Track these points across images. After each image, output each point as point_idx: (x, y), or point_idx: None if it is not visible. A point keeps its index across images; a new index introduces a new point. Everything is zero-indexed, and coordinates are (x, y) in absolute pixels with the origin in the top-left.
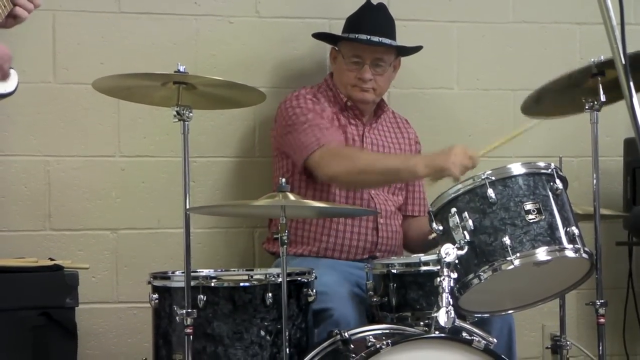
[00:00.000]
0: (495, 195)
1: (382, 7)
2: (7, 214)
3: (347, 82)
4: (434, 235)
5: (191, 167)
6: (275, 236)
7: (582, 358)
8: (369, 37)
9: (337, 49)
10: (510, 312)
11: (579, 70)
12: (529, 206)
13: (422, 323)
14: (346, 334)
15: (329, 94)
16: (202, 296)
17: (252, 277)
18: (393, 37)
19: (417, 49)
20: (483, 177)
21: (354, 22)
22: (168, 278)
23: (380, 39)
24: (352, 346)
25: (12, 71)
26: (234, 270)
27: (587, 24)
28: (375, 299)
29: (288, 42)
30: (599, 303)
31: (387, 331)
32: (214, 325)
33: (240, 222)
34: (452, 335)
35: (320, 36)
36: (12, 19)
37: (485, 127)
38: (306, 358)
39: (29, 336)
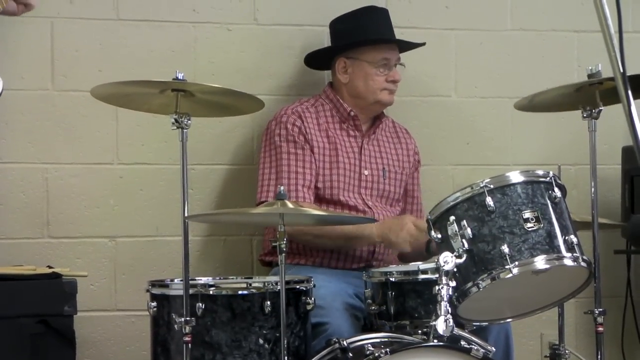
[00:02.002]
0: (493, 203)
1: (386, 11)
2: (5, 222)
3: (377, 87)
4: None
5: (189, 174)
6: (273, 244)
7: None
8: (391, 38)
9: (349, 57)
10: (508, 320)
11: (576, 83)
12: (527, 214)
13: (420, 331)
14: (345, 343)
15: (326, 107)
16: (200, 304)
17: (250, 285)
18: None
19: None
20: (482, 185)
21: (369, 27)
22: (166, 286)
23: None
24: (350, 355)
25: None
26: (233, 278)
27: (585, 32)
28: (373, 308)
29: (286, 50)
30: (597, 312)
31: (386, 339)
32: (212, 333)
33: (238, 229)
34: (451, 344)
35: (321, 51)
36: (23, 5)
37: (483, 135)
38: None
39: (28, 344)
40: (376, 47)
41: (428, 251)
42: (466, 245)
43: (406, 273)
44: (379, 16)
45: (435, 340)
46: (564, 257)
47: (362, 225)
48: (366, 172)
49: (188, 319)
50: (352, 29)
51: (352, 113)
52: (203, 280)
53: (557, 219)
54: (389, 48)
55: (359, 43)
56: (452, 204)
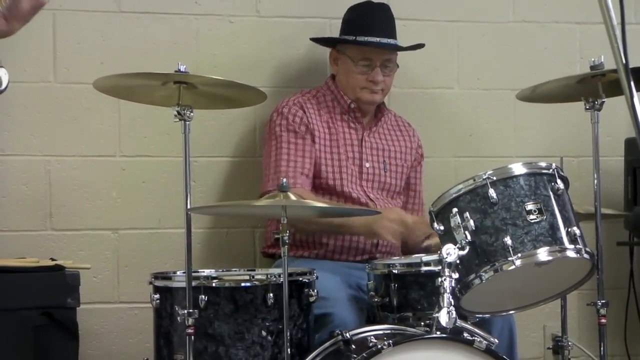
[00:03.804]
0: (496, 195)
1: (385, 7)
2: (8, 214)
3: (356, 84)
4: (427, 242)
5: (192, 167)
6: (276, 236)
7: (584, 358)
8: (378, 39)
9: (338, 50)
10: (511, 312)
11: (578, 75)
12: (530, 206)
13: (423, 323)
14: (347, 334)
15: (328, 98)
16: (203, 296)
17: (253, 277)
18: (396, 36)
19: (420, 46)
20: (484, 177)
21: (359, 24)
22: (169, 278)
23: (389, 40)
24: (353, 346)
25: (1, 70)
26: (235, 271)
27: (587, 24)
28: (376, 300)
29: (288, 42)
30: (600, 303)
31: (389, 331)
32: (215, 325)
33: (241, 222)
34: (454, 336)
35: (322, 39)
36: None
37: (485, 127)
38: (307, 358)
39: (30, 336)
40: (362, 46)
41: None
42: (469, 237)
43: (409, 265)
44: (377, 13)
45: (438, 332)
46: (567, 248)
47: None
48: (367, 165)
49: (191, 311)
50: (348, 21)
51: (352, 105)
52: (206, 272)
53: (560, 211)
54: (375, 49)
55: (341, 39)
56: (454, 195)
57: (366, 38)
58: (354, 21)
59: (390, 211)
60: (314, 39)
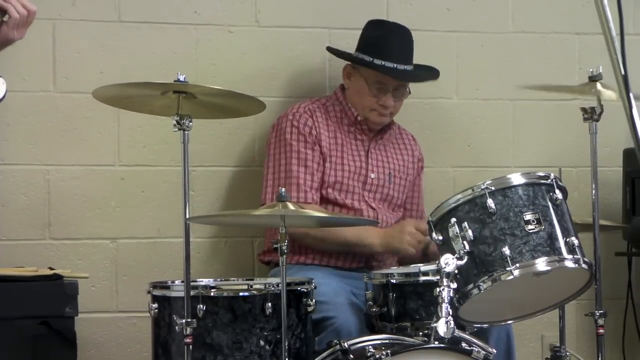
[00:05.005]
0: (494, 205)
1: (406, 32)
2: (7, 223)
3: (367, 105)
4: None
5: (191, 176)
6: (274, 246)
7: None
8: (395, 65)
9: (353, 67)
10: (509, 322)
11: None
12: (528, 216)
13: (421, 333)
14: (345, 344)
15: (336, 108)
16: (201, 306)
17: (251, 286)
18: (412, 61)
19: (435, 76)
20: (483, 187)
21: (378, 45)
22: (168, 287)
23: (405, 67)
24: (351, 356)
25: None
26: (234, 280)
27: (586, 34)
28: (374, 309)
29: (288, 52)
30: (598, 314)
31: (387, 341)
32: (213, 334)
33: (239, 231)
34: (452, 346)
35: (340, 52)
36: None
37: (484, 137)
38: None
39: (29, 345)
40: (376, 69)
41: (426, 254)
42: (467, 247)
43: (407, 275)
44: (397, 37)
45: (436, 342)
46: (565, 259)
47: (363, 234)
48: (373, 176)
49: (189, 320)
50: (367, 39)
51: (359, 118)
52: (204, 281)
53: (558, 221)
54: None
55: (357, 59)
56: (453, 205)
57: (383, 62)
58: (373, 41)
59: (406, 224)
60: (331, 50)
